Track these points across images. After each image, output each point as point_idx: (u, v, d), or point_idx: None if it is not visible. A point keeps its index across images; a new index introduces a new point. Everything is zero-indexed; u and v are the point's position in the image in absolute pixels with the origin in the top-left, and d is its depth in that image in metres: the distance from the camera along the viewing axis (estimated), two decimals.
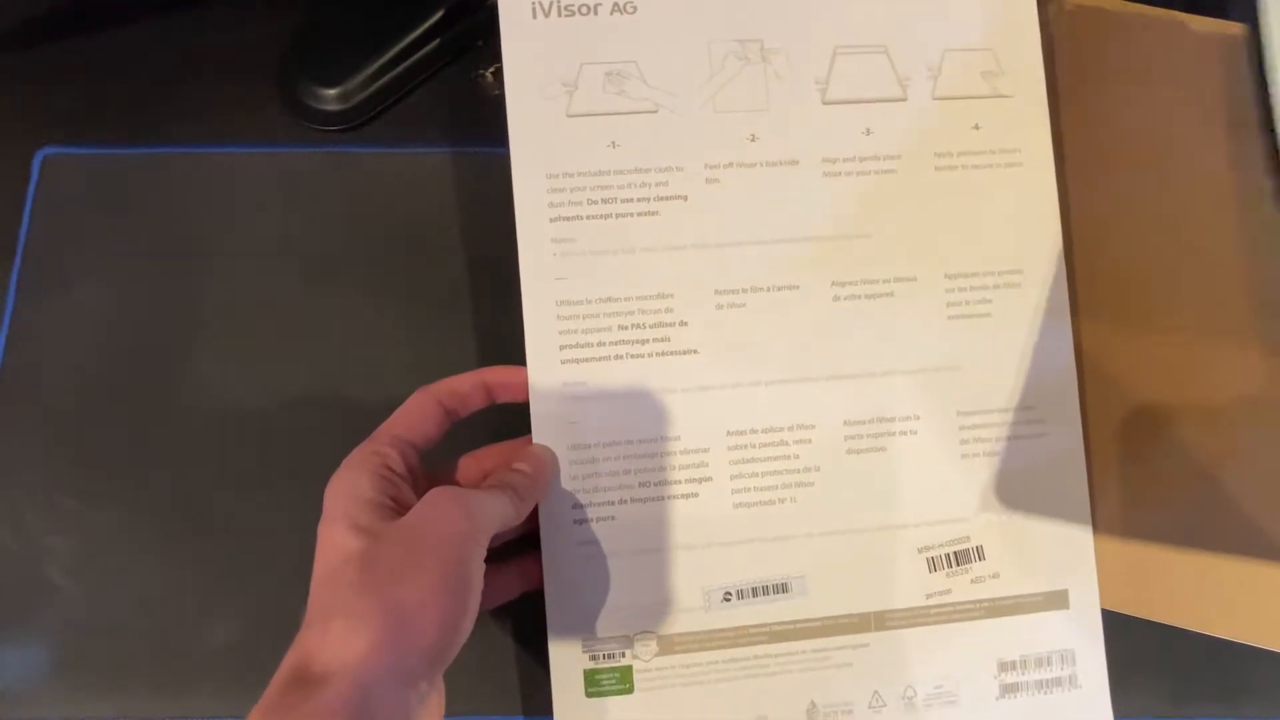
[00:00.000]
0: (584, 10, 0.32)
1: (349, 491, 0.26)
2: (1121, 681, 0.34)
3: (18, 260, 0.38)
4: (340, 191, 0.39)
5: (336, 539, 0.25)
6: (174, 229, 0.38)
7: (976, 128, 0.33)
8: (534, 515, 0.31)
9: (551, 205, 0.31)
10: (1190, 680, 0.35)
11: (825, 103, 0.32)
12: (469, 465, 0.31)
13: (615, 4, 0.32)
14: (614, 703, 0.30)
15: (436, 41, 0.39)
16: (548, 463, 0.30)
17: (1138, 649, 0.35)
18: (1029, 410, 0.32)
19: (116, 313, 0.37)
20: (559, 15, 0.32)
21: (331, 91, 0.39)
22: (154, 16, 0.41)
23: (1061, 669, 0.32)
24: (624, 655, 0.30)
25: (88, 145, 0.39)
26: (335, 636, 0.23)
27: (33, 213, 0.39)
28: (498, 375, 0.31)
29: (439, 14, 0.39)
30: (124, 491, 0.36)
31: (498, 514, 0.27)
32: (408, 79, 0.39)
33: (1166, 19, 0.39)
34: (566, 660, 0.30)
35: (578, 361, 0.31)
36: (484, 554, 0.25)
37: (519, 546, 0.31)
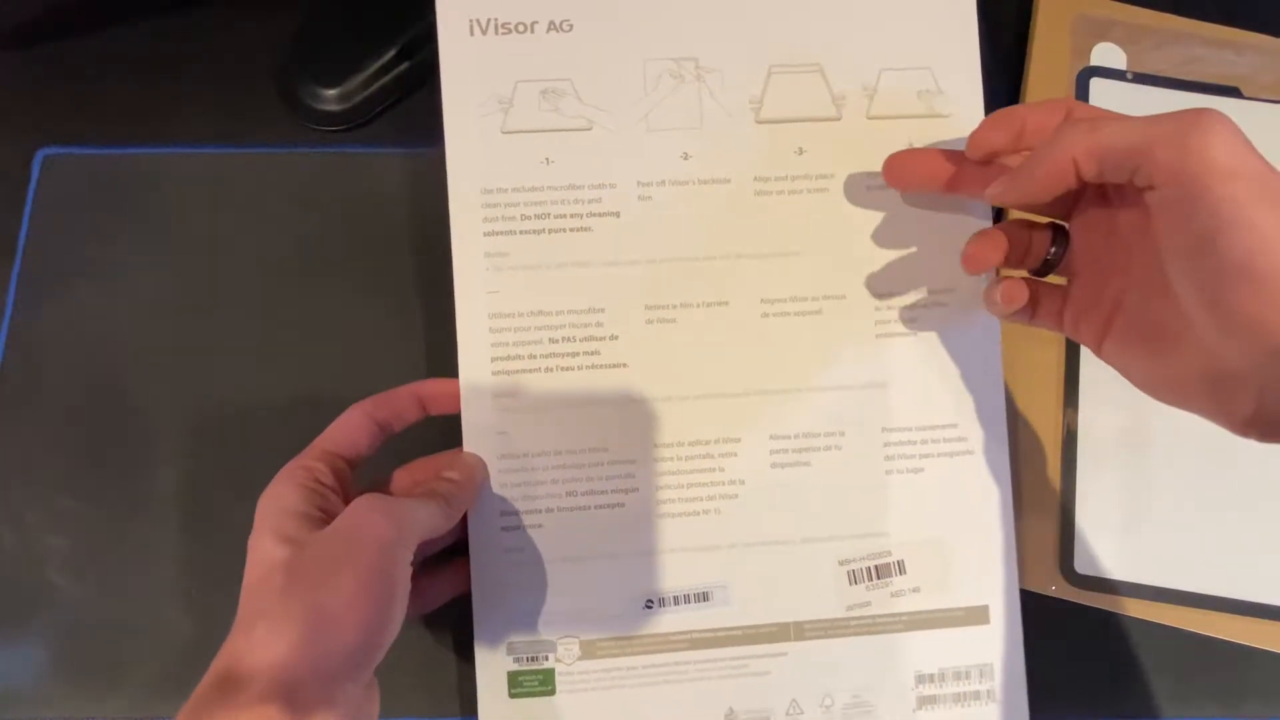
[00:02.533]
0: (521, 28, 0.32)
1: (276, 504, 0.27)
2: (1121, 681, 0.35)
3: (18, 260, 0.38)
4: (340, 191, 0.39)
5: (264, 549, 0.26)
6: (174, 229, 0.39)
7: (910, 145, 0.33)
8: (465, 523, 0.32)
9: (486, 220, 0.32)
10: (1190, 680, 0.35)
11: (759, 122, 0.33)
12: (402, 477, 0.32)
13: (552, 22, 0.32)
14: (536, 704, 0.31)
15: (436, 42, 0.39)
16: (477, 471, 0.31)
17: (1138, 649, 0.35)
18: (954, 428, 0.33)
19: (116, 313, 0.38)
20: (496, 32, 0.32)
21: (331, 91, 0.39)
22: (154, 16, 0.42)
23: (980, 683, 0.33)
24: (547, 658, 0.31)
25: (88, 145, 0.40)
26: (258, 639, 0.24)
27: (33, 213, 0.39)
28: (431, 387, 0.32)
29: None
30: (124, 491, 0.36)
31: (424, 520, 0.28)
32: (408, 79, 0.40)
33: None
34: (491, 662, 0.31)
35: (509, 373, 0.32)
36: (409, 558, 0.27)
37: (451, 553, 0.32)
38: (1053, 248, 0.29)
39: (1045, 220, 0.30)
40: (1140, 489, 0.36)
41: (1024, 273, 0.31)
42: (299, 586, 0.25)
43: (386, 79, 0.39)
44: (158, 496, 0.36)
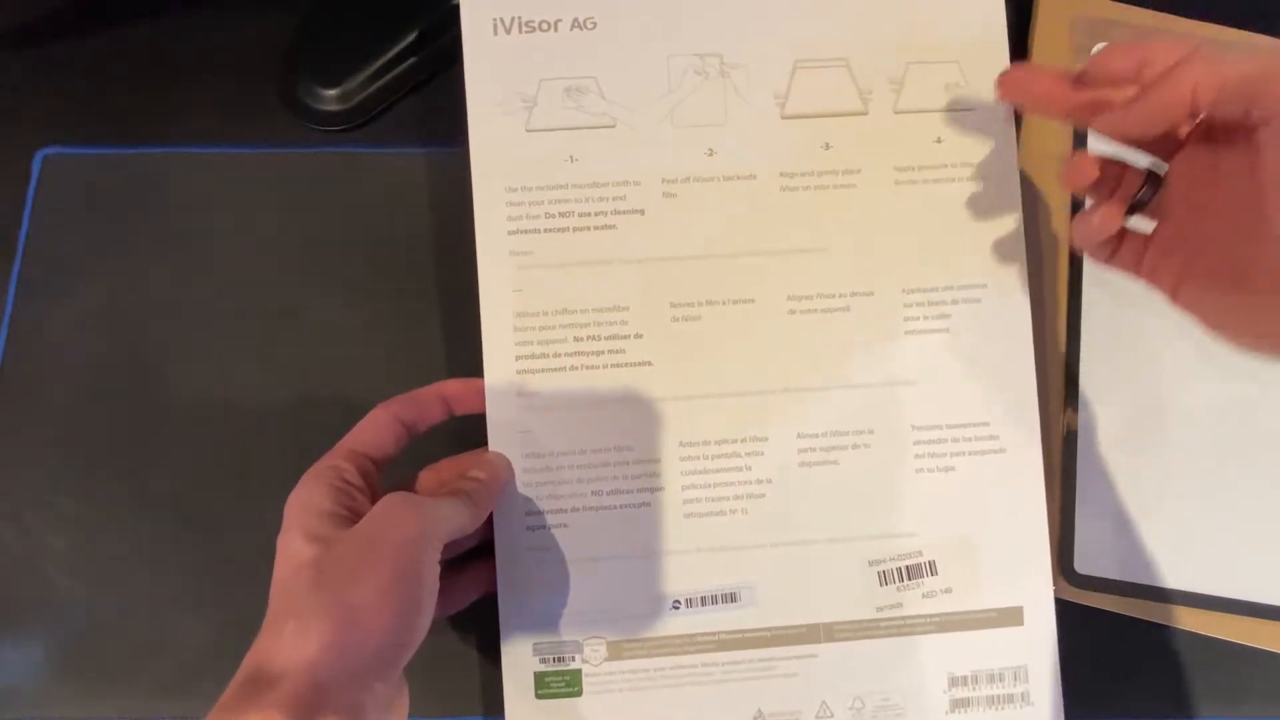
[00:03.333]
0: (544, 26, 0.32)
1: (305, 503, 0.27)
2: (1121, 681, 0.34)
3: (18, 260, 0.38)
4: (340, 191, 0.39)
5: (292, 548, 0.26)
6: (174, 229, 0.39)
7: (939, 141, 0.33)
8: (491, 522, 0.32)
9: (510, 219, 0.32)
10: (1190, 680, 0.35)
11: (784, 117, 0.33)
12: (428, 478, 0.32)
13: (575, 20, 0.32)
14: (563, 705, 0.31)
15: (436, 42, 0.40)
16: (502, 470, 0.31)
17: (1138, 649, 0.35)
18: (985, 426, 0.32)
19: (116, 313, 0.38)
20: (520, 31, 0.32)
21: (331, 91, 0.39)
22: (154, 16, 0.42)
23: (1014, 685, 0.32)
24: (574, 659, 0.31)
25: (88, 145, 0.40)
26: (289, 637, 0.24)
27: (33, 213, 0.39)
28: (455, 387, 0.32)
29: (439, 14, 0.40)
30: (124, 491, 0.36)
31: (451, 519, 0.28)
32: (408, 79, 0.40)
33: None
34: (518, 662, 0.31)
35: (534, 372, 0.32)
36: (437, 557, 0.26)
37: (477, 553, 0.32)
38: (1144, 186, 0.29)
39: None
40: (1140, 489, 0.36)
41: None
42: (328, 584, 0.25)
43: (387, 79, 0.39)
44: (158, 496, 0.36)
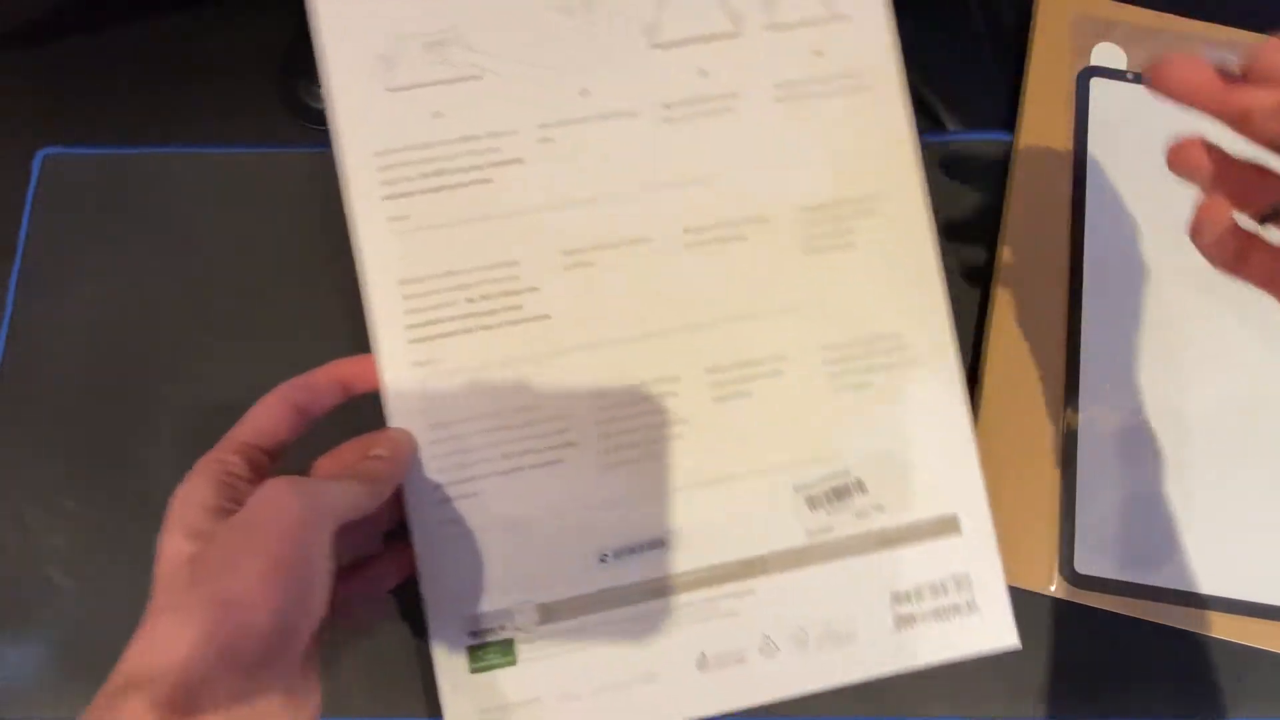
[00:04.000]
0: None
1: (187, 499, 0.26)
2: (1121, 681, 0.34)
3: (18, 260, 0.38)
4: (340, 191, 0.38)
5: (172, 546, 0.25)
6: (174, 229, 0.39)
7: (817, 54, 0.32)
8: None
9: (383, 184, 0.30)
10: (1190, 680, 0.35)
11: (654, 46, 0.31)
12: (327, 464, 0.30)
13: None
14: (499, 676, 0.30)
15: None
16: (404, 445, 0.30)
17: (1138, 649, 0.35)
18: (896, 338, 0.32)
19: (116, 313, 0.38)
20: None
21: None
22: (154, 16, 0.42)
23: (959, 595, 0.32)
24: (505, 628, 0.30)
25: (88, 145, 0.40)
26: (160, 637, 0.23)
27: (33, 213, 0.39)
28: (349, 366, 0.30)
29: None
30: (124, 491, 0.36)
31: (343, 499, 0.26)
32: None
33: None
34: (448, 640, 0.30)
35: (427, 339, 0.30)
36: (327, 538, 0.25)
37: (397, 536, 0.31)
38: None
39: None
40: (1140, 488, 0.36)
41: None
42: (204, 578, 0.23)
43: None
44: (158, 496, 0.35)
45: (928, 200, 0.32)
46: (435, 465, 0.30)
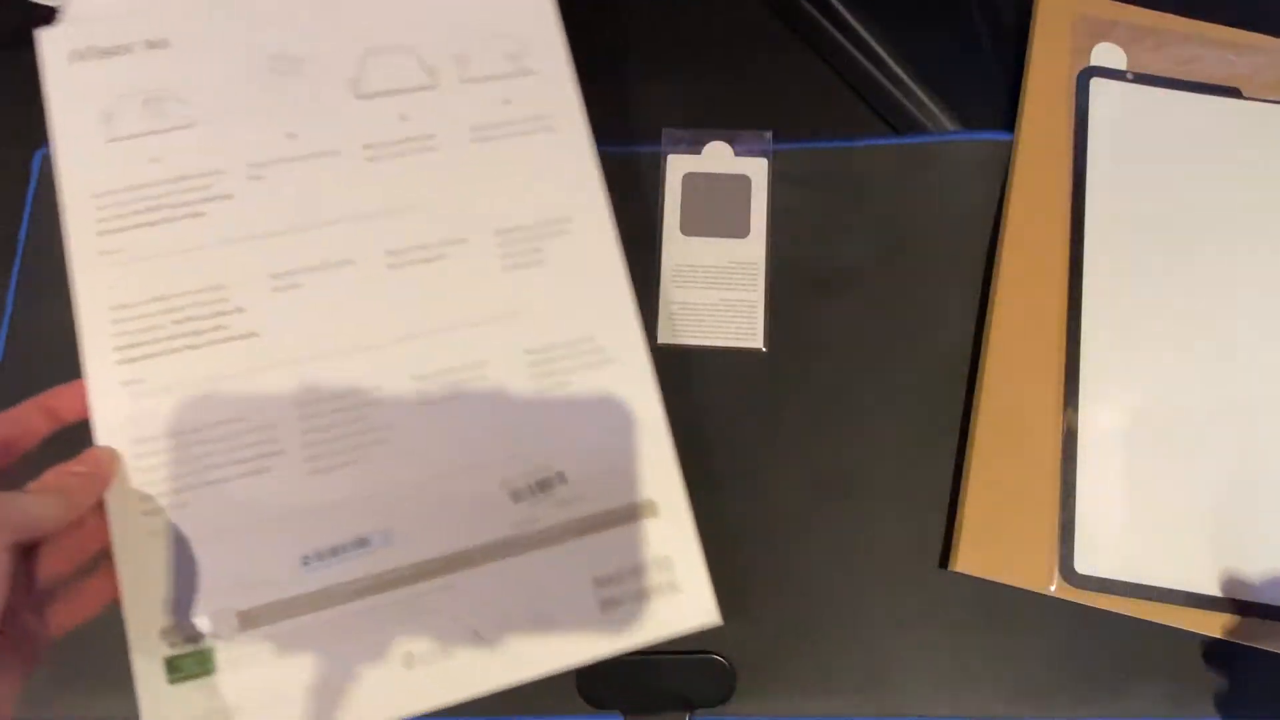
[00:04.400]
0: (118, 51, 0.35)
1: None
2: (1121, 681, 0.35)
3: (18, 260, 0.39)
4: None
5: None
6: None
7: (507, 102, 0.37)
8: None
9: (99, 220, 0.33)
10: (1190, 680, 0.35)
11: (359, 97, 0.36)
12: (33, 488, 0.31)
13: (148, 40, 0.35)
14: (198, 686, 0.30)
15: None
16: (104, 462, 0.31)
17: (1137, 649, 0.35)
18: (591, 340, 0.35)
19: None
20: (96, 58, 0.35)
21: None
22: None
23: (660, 575, 0.33)
24: (204, 637, 0.30)
25: None
26: None
27: (33, 213, 0.39)
28: (59, 394, 0.32)
29: None
30: None
31: (27, 512, 0.27)
32: None
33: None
34: (146, 652, 0.30)
35: (135, 360, 0.32)
36: (6, 554, 0.26)
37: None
38: None
39: None
40: (1140, 488, 0.36)
41: None
42: None
43: None
44: None
45: (613, 219, 0.36)
46: (141, 479, 0.31)
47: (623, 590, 0.33)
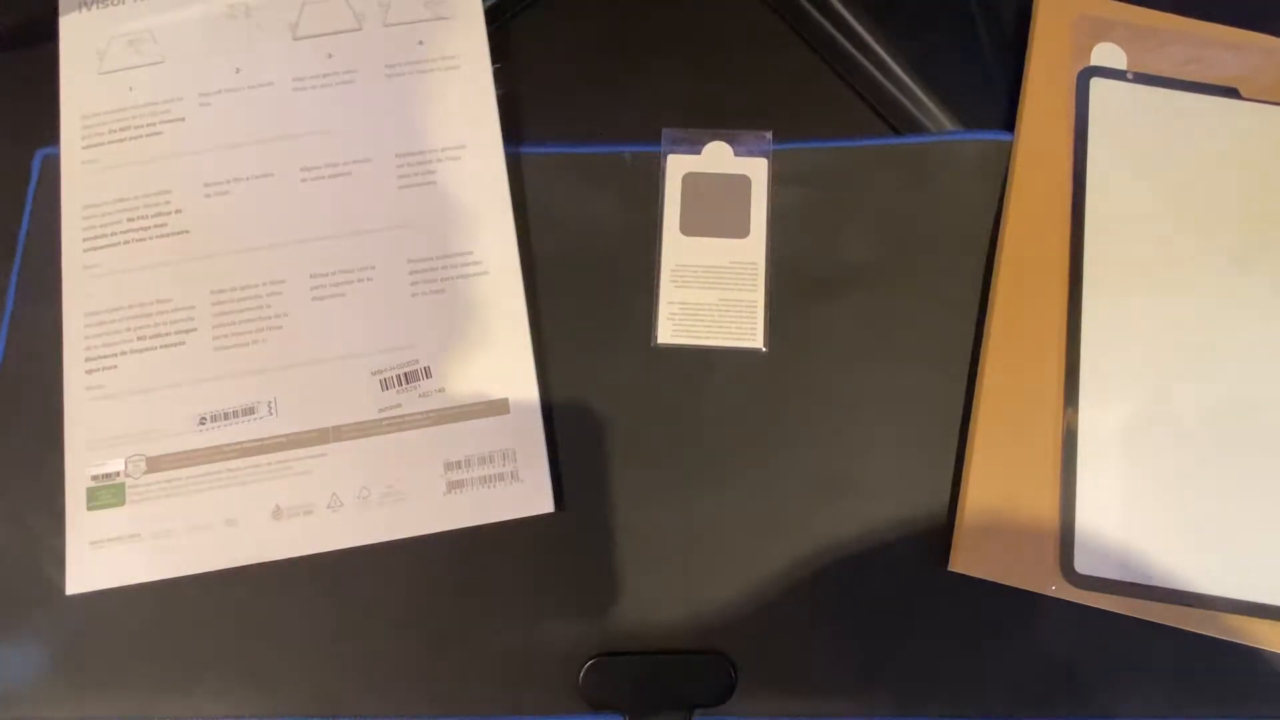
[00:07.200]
0: (115, 0, 0.42)
1: None
2: (1121, 681, 0.35)
3: (18, 260, 0.39)
4: None
5: None
6: None
7: (420, 43, 0.41)
8: None
9: (84, 137, 0.41)
10: (1190, 680, 0.35)
11: (296, 38, 0.41)
12: None
13: None
14: (110, 514, 0.36)
15: None
16: None
17: (1138, 649, 0.36)
18: (469, 254, 0.39)
19: None
20: (99, 6, 0.42)
21: None
22: None
23: (503, 465, 0.37)
24: (118, 475, 0.37)
25: None
26: None
27: (33, 213, 0.39)
28: None
29: None
30: None
31: None
32: None
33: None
34: (74, 481, 0.37)
35: (95, 249, 0.39)
36: None
37: None
38: None
39: None
40: (1141, 488, 0.37)
41: None
42: None
43: None
44: None
45: (501, 150, 0.40)
46: (86, 343, 0.38)
47: (469, 475, 0.37)
